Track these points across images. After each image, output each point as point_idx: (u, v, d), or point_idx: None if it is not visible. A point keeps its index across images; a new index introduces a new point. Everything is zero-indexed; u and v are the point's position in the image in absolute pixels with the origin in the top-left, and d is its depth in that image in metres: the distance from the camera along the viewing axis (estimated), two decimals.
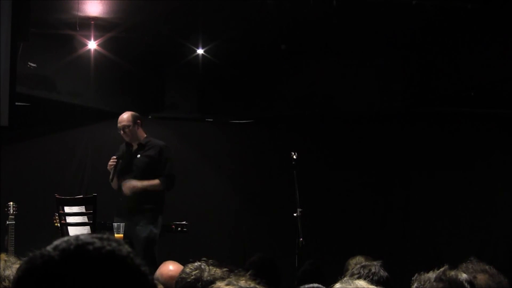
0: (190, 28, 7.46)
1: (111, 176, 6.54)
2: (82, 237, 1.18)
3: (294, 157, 6.43)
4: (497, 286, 3.14)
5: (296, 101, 8.66)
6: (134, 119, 6.61)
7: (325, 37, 7.85)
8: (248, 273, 2.58)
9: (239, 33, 7.54)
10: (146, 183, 6.46)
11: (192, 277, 3.19)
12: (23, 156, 7.99)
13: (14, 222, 6.39)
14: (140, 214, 6.43)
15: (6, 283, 2.88)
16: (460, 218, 8.50)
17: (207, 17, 7.12)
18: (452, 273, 2.61)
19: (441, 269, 2.61)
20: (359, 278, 3.14)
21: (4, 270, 3.04)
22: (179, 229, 6.71)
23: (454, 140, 8.61)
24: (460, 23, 7.23)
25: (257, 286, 2.43)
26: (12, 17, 5.35)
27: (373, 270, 3.59)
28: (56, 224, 6.06)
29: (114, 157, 6.52)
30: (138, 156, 6.57)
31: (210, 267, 3.21)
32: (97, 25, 7.16)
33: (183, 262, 3.63)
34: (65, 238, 1.19)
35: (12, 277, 2.78)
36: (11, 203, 6.50)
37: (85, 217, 5.79)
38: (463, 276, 2.61)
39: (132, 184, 6.46)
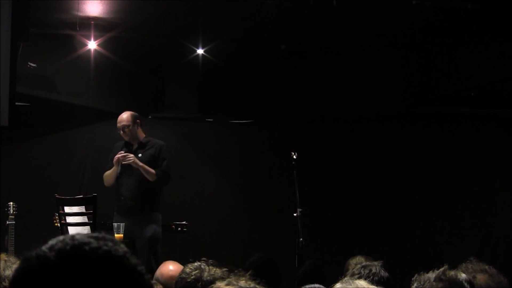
0: (190, 28, 7.46)
1: (110, 171, 6.52)
2: (77, 237, 1.18)
3: (294, 157, 6.42)
4: (497, 286, 3.15)
5: (296, 101, 8.65)
6: (133, 119, 6.61)
7: (325, 37, 7.85)
8: (248, 273, 2.58)
9: (239, 33, 7.54)
10: (146, 167, 6.44)
11: (192, 277, 3.20)
12: (23, 156, 7.99)
13: (14, 222, 6.39)
14: (141, 214, 6.44)
15: (6, 283, 2.88)
16: (460, 218, 8.49)
17: (207, 17, 7.12)
18: (452, 273, 2.60)
19: (441, 269, 2.61)
20: (359, 278, 3.13)
21: (4, 270, 3.04)
22: (179, 229, 6.71)
23: (454, 140, 8.60)
24: (460, 23, 7.23)
25: (257, 286, 2.43)
26: (12, 17, 5.35)
27: (373, 270, 3.58)
28: (56, 224, 6.07)
29: (122, 152, 6.50)
30: (140, 155, 6.57)
31: (210, 267, 3.21)
32: (97, 25, 7.16)
33: (183, 262, 3.63)
34: (61, 238, 1.18)
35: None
36: (11, 203, 6.50)
37: (85, 217, 5.79)
38: (463, 276, 2.61)
39: (136, 160, 6.46)
